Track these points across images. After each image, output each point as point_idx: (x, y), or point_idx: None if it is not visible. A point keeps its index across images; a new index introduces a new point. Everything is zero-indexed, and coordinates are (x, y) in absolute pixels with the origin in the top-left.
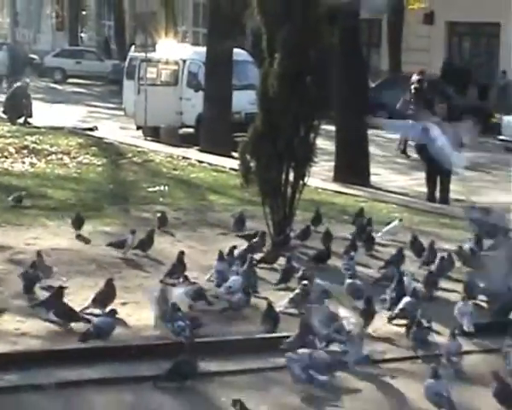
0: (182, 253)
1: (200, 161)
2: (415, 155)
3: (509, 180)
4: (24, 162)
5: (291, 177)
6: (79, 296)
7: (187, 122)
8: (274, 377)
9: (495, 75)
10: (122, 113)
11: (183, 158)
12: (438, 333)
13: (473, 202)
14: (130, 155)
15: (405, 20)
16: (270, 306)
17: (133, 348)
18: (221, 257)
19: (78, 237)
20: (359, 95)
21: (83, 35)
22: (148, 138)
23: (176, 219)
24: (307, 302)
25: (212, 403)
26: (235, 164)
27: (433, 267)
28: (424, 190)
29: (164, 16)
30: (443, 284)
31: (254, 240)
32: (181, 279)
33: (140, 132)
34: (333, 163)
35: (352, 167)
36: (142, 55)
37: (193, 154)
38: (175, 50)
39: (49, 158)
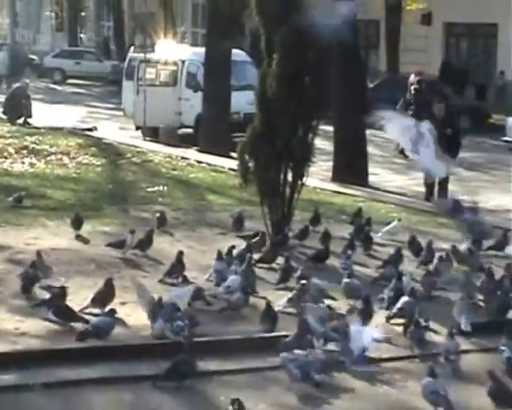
0: (181, 253)
1: (199, 162)
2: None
3: (508, 180)
4: (23, 163)
5: (289, 177)
6: (79, 296)
7: (186, 122)
8: (272, 376)
9: (492, 75)
10: (121, 113)
11: (182, 158)
12: (435, 332)
13: (475, 202)
14: (129, 155)
15: (403, 20)
16: (268, 305)
17: (132, 348)
18: (220, 257)
19: (78, 237)
20: (357, 95)
21: (82, 36)
22: (147, 139)
23: (175, 219)
24: (303, 301)
25: (210, 402)
26: (234, 164)
27: (431, 267)
28: (422, 189)
29: (163, 17)
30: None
31: (255, 240)
32: (180, 279)
33: (139, 133)
34: (331, 163)
35: (351, 167)
36: (142, 55)
37: (192, 154)
38: (174, 51)
39: (48, 158)
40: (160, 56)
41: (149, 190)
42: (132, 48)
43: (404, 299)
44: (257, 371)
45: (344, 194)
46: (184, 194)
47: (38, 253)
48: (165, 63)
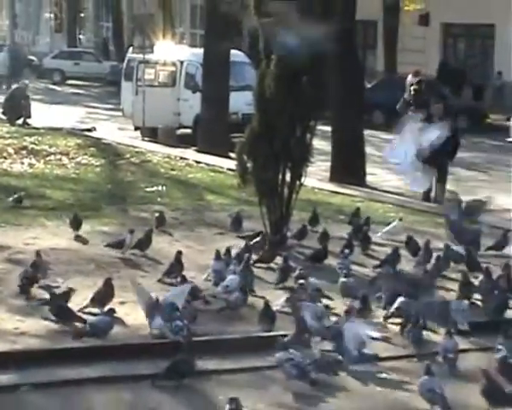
0: (179, 252)
1: (198, 162)
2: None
3: (506, 180)
4: (23, 163)
5: (288, 177)
6: (78, 296)
7: (184, 123)
8: (271, 375)
9: (490, 76)
10: (120, 114)
11: (181, 158)
12: (433, 331)
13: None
14: (128, 155)
15: (401, 21)
16: (267, 305)
17: (131, 347)
18: (218, 257)
19: (77, 237)
20: (355, 95)
21: (81, 37)
22: (146, 139)
23: (173, 219)
24: (300, 301)
25: (209, 401)
26: (233, 164)
27: (428, 267)
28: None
29: (161, 18)
30: (438, 282)
31: (255, 240)
32: (178, 279)
33: (138, 133)
34: (329, 163)
35: (349, 167)
36: (140, 56)
37: (190, 154)
38: (172, 52)
39: (47, 159)
40: (159, 57)
41: (148, 190)
42: (131, 49)
43: (402, 298)
44: (255, 371)
45: (342, 194)
46: (183, 194)
47: (38, 253)
48: (164, 64)
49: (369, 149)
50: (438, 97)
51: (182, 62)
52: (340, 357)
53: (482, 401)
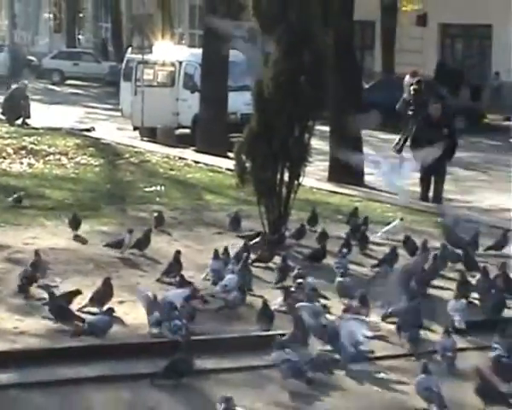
0: (178, 252)
1: (197, 162)
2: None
3: (504, 180)
4: (22, 163)
5: (286, 177)
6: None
7: (183, 123)
8: (269, 374)
9: (487, 76)
10: (119, 114)
11: (180, 158)
12: (431, 330)
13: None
14: (127, 155)
15: (398, 21)
16: (265, 304)
17: (130, 346)
18: (216, 256)
19: (76, 237)
20: (353, 96)
21: (80, 37)
22: (145, 139)
23: (172, 219)
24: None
25: (208, 400)
26: (231, 164)
27: (426, 266)
28: (417, 189)
29: (160, 18)
30: (436, 282)
31: (255, 240)
32: (177, 278)
33: (137, 133)
34: (327, 163)
35: (347, 167)
36: (139, 56)
37: (189, 154)
38: (171, 52)
39: (47, 159)
40: (158, 57)
41: (147, 189)
42: (130, 49)
43: None
44: (254, 370)
45: (340, 194)
46: (182, 194)
47: (37, 252)
48: (163, 64)
49: (366, 149)
50: (436, 98)
51: (180, 63)
52: (336, 356)
53: (479, 399)
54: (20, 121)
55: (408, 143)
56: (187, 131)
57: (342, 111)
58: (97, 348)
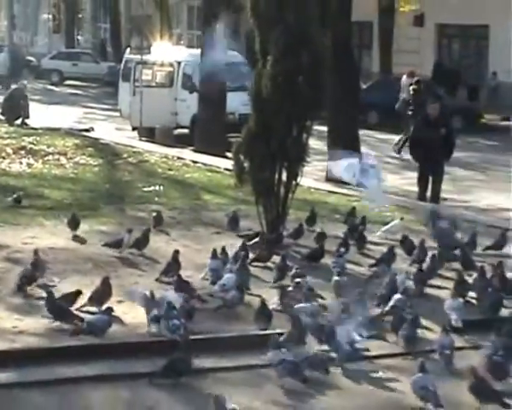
0: (177, 252)
1: (195, 162)
2: (407, 156)
3: (501, 180)
4: (21, 163)
5: (284, 176)
6: None
7: (182, 123)
8: (267, 373)
9: (484, 76)
10: (118, 114)
11: (178, 158)
12: (428, 329)
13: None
14: (125, 155)
15: (396, 22)
16: (263, 303)
17: (129, 346)
18: (215, 255)
19: (75, 237)
20: (351, 96)
21: (79, 38)
22: (144, 139)
23: (171, 219)
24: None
25: (206, 399)
26: (229, 164)
27: (424, 266)
28: (415, 189)
29: (159, 19)
30: (433, 281)
31: (255, 240)
32: (174, 277)
33: (135, 133)
34: (325, 163)
35: None
36: (138, 57)
37: (187, 154)
38: (170, 53)
39: (46, 159)
40: (156, 58)
41: (146, 189)
42: (129, 49)
43: (398, 296)
44: (252, 369)
45: (338, 193)
46: (180, 193)
47: (36, 251)
48: (162, 65)
49: (364, 149)
50: (434, 98)
51: (179, 63)
52: (333, 354)
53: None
54: (19, 121)
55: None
56: (185, 131)
57: (340, 111)
58: (96, 347)
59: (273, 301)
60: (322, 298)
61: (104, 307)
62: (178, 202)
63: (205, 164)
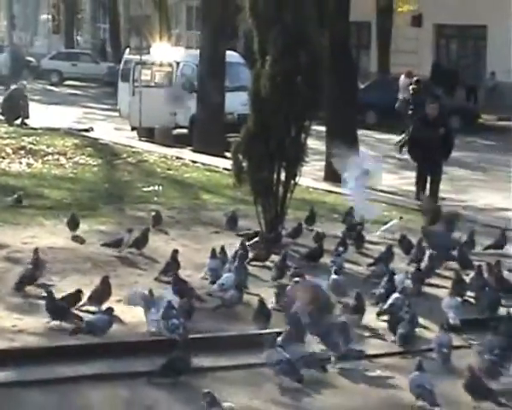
0: (176, 251)
1: (194, 161)
2: (405, 156)
3: (499, 179)
4: (21, 163)
5: (282, 176)
6: None
7: (181, 123)
8: (266, 372)
9: (482, 77)
10: (117, 114)
11: (177, 158)
12: (426, 328)
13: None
14: (124, 155)
15: (394, 22)
16: (262, 302)
17: (128, 345)
18: (214, 255)
19: (74, 238)
20: (349, 96)
21: (78, 38)
22: (143, 139)
23: (170, 218)
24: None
25: None
26: (228, 164)
27: (422, 265)
28: (412, 188)
29: (158, 19)
30: (431, 280)
31: (254, 240)
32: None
33: (134, 133)
34: (323, 163)
35: None
36: (137, 57)
37: (186, 154)
38: (169, 53)
39: (45, 158)
40: (156, 58)
41: (145, 189)
42: (128, 50)
43: (396, 295)
44: (251, 368)
45: (336, 193)
46: (179, 193)
47: (36, 251)
48: (161, 65)
49: (362, 149)
50: (432, 98)
51: (178, 63)
52: (329, 353)
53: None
54: (18, 121)
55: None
56: (184, 131)
57: (338, 111)
58: (95, 346)
59: (272, 300)
60: None
61: (104, 306)
62: (177, 201)
63: (204, 164)
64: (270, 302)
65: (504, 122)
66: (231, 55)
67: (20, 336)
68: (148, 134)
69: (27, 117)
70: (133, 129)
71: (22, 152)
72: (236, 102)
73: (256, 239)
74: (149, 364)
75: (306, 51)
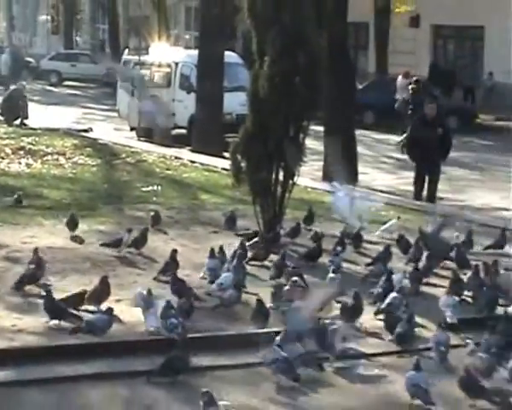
0: (175, 251)
1: (193, 161)
2: (404, 156)
3: (496, 179)
4: (20, 163)
5: (281, 176)
6: None
7: (179, 123)
8: (265, 371)
9: (479, 77)
10: (116, 114)
11: (176, 158)
12: (423, 327)
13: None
14: (123, 155)
15: (392, 23)
16: (260, 302)
17: (127, 344)
18: (212, 255)
19: (73, 237)
20: (347, 96)
21: (77, 39)
22: (142, 139)
23: (169, 218)
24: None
25: None
26: (227, 164)
27: (420, 264)
28: (410, 188)
29: (157, 20)
30: (429, 279)
31: (254, 240)
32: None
33: (133, 133)
34: (322, 163)
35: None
36: (136, 58)
37: (185, 154)
38: (167, 53)
39: (44, 159)
40: (154, 59)
41: (144, 189)
42: (127, 50)
43: (394, 295)
44: (249, 367)
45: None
46: (178, 193)
47: (35, 250)
48: (159, 65)
49: (360, 149)
50: (430, 98)
51: (176, 64)
52: (326, 354)
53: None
54: (18, 122)
55: None
56: (183, 131)
57: (336, 111)
58: (94, 345)
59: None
60: None
61: (104, 306)
62: (176, 201)
63: (202, 164)
64: (269, 302)
65: (502, 122)
66: (230, 56)
67: (20, 335)
68: (146, 134)
69: (26, 117)
70: (132, 129)
71: (21, 152)
72: (235, 103)
73: (256, 239)
74: (148, 363)
75: (304, 52)
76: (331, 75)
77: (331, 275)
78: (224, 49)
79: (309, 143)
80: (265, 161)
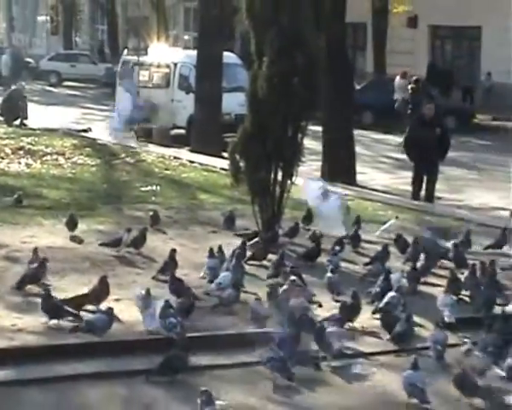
0: (173, 250)
1: (191, 161)
2: (403, 156)
3: (493, 179)
4: (20, 163)
5: (279, 176)
6: (74, 293)
7: (178, 123)
8: (263, 371)
9: (476, 77)
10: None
11: (175, 158)
12: (421, 327)
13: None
14: (123, 155)
15: (389, 23)
16: (259, 302)
17: (126, 343)
18: (212, 254)
19: (72, 237)
20: (345, 96)
21: (77, 39)
22: (141, 139)
23: (168, 218)
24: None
25: None
26: (226, 164)
27: (418, 264)
28: (408, 188)
29: (156, 21)
30: (427, 279)
31: (255, 239)
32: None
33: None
34: (320, 163)
35: (339, 167)
36: (135, 58)
37: (184, 154)
38: (166, 54)
39: (44, 159)
40: (153, 59)
41: (143, 189)
42: (126, 51)
43: (391, 294)
44: (248, 366)
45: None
46: (177, 193)
47: (35, 250)
48: (158, 66)
49: (358, 149)
50: (429, 98)
51: (175, 64)
52: (322, 353)
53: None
54: (17, 122)
55: None
56: (182, 131)
57: (335, 111)
58: (94, 345)
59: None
60: (313, 295)
61: (104, 306)
62: (175, 201)
63: (201, 164)
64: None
65: (499, 122)
66: (228, 56)
67: (20, 334)
68: (146, 134)
69: (26, 118)
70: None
71: (21, 152)
72: (234, 103)
73: (256, 239)
74: (147, 362)
75: (303, 52)
76: (329, 75)
77: (329, 274)
78: (223, 49)
79: (307, 143)
80: (264, 161)
